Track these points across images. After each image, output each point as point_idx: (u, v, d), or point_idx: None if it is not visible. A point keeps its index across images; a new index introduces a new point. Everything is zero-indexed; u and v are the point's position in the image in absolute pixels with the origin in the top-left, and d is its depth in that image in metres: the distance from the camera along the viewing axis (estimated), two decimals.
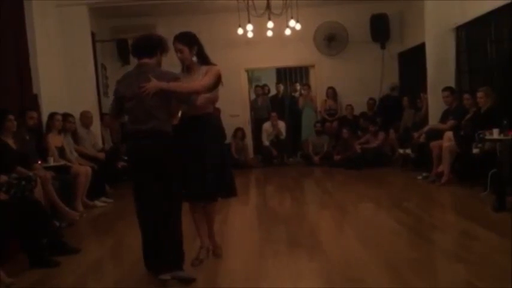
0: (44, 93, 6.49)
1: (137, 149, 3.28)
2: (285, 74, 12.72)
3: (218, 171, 3.53)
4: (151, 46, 3.35)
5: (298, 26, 8.46)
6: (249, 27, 8.42)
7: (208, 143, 3.52)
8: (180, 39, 3.52)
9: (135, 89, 3.21)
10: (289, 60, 10.44)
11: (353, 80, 9.98)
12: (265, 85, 11.05)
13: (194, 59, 3.56)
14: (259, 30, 8.79)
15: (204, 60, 3.59)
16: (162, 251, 3.25)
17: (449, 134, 6.44)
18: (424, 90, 7.92)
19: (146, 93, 3.16)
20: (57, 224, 4.85)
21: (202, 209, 3.71)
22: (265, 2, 8.04)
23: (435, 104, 7.45)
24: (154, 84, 3.17)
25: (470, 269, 3.28)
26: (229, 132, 9.91)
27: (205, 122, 3.54)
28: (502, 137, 5.23)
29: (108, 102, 9.53)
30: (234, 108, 10.16)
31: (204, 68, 3.54)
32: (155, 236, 3.27)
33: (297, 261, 3.70)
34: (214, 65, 3.58)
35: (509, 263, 3.27)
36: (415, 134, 7.67)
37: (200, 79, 3.46)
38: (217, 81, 3.50)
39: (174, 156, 3.32)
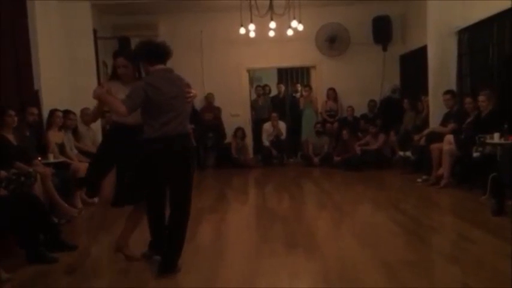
0: (45, 90, 6.48)
1: (176, 150, 3.42)
2: (286, 75, 12.72)
3: None
4: (167, 53, 3.52)
5: (300, 27, 8.44)
6: (251, 27, 8.41)
7: None
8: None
9: (176, 91, 3.43)
10: (290, 60, 10.43)
11: (354, 82, 9.99)
12: (266, 85, 11.05)
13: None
14: (261, 30, 8.78)
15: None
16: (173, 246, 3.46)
17: (449, 137, 6.43)
18: (425, 92, 7.92)
19: (191, 98, 3.53)
20: (56, 220, 4.85)
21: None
22: (268, 2, 8.04)
23: (436, 106, 7.44)
24: (196, 92, 3.60)
25: (468, 272, 3.28)
26: (229, 131, 9.95)
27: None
28: (502, 141, 5.24)
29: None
30: (235, 108, 10.18)
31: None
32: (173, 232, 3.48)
33: (295, 261, 3.70)
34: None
35: (507, 266, 3.27)
36: (416, 137, 7.67)
37: None
38: None
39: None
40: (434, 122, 7.40)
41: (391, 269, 3.37)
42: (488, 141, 5.46)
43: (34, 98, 6.27)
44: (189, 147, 3.52)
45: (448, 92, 7.02)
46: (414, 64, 9.16)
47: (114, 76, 3.69)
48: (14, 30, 6.00)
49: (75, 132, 6.79)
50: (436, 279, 3.31)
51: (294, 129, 10.27)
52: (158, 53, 3.48)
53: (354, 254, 3.79)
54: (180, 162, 3.45)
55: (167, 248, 3.46)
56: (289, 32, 8.76)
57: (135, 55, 3.56)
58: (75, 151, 6.52)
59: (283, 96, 10.88)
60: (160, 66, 3.46)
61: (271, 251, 3.94)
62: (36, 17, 6.40)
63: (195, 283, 3.29)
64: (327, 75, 10.20)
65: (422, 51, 8.16)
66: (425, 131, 7.38)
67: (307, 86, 10.63)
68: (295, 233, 4.52)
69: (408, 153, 7.86)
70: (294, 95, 11.11)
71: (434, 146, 6.67)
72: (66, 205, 5.31)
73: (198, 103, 9.84)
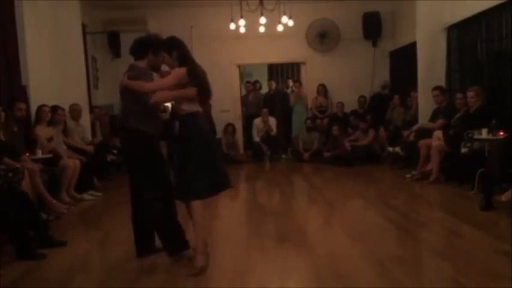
0: (33, 85, 6.40)
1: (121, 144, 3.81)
2: (277, 70, 12.71)
3: (180, 171, 3.44)
4: (141, 48, 3.54)
5: (290, 23, 8.44)
6: (242, 22, 8.39)
7: (174, 143, 3.52)
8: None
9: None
10: (281, 56, 10.44)
11: (344, 78, 10.03)
12: (256, 81, 11.02)
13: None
14: (252, 25, 8.76)
15: (184, 63, 3.41)
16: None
17: (438, 133, 6.47)
18: (415, 88, 7.96)
19: (120, 90, 3.54)
20: (44, 216, 4.81)
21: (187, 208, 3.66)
22: None
23: (425, 102, 7.49)
24: (125, 81, 3.42)
25: (456, 267, 3.31)
26: (219, 127, 9.93)
27: (182, 123, 3.43)
28: (490, 136, 5.29)
29: (98, 95, 9.49)
30: (225, 104, 10.16)
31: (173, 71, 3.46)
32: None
33: (285, 256, 3.71)
34: (184, 67, 3.39)
35: (495, 261, 3.32)
36: (405, 133, 7.71)
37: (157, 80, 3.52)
38: (179, 81, 3.35)
39: (141, 152, 3.52)
40: (423, 118, 7.45)
41: (381, 264, 3.39)
42: (476, 137, 5.50)
43: (22, 94, 6.20)
44: (129, 145, 3.60)
45: (436, 88, 7.05)
46: (404, 60, 9.21)
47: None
48: (2, 25, 5.91)
49: (64, 128, 6.73)
50: (425, 274, 3.34)
51: (285, 125, 10.27)
52: (131, 49, 3.65)
53: (344, 249, 3.81)
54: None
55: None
56: (280, 28, 8.75)
57: (171, 46, 3.44)
58: (64, 147, 6.47)
59: (274, 92, 10.85)
60: (132, 63, 3.67)
61: (261, 246, 3.94)
62: (24, 11, 6.29)
63: (184, 278, 3.28)
64: (317, 71, 10.22)
65: (411, 48, 8.20)
66: (415, 127, 7.42)
67: (298, 81, 10.65)
68: (286, 228, 4.54)
69: (397, 149, 7.90)
70: (285, 90, 11.10)
71: (423, 142, 6.72)
72: (55, 201, 5.28)
73: None
